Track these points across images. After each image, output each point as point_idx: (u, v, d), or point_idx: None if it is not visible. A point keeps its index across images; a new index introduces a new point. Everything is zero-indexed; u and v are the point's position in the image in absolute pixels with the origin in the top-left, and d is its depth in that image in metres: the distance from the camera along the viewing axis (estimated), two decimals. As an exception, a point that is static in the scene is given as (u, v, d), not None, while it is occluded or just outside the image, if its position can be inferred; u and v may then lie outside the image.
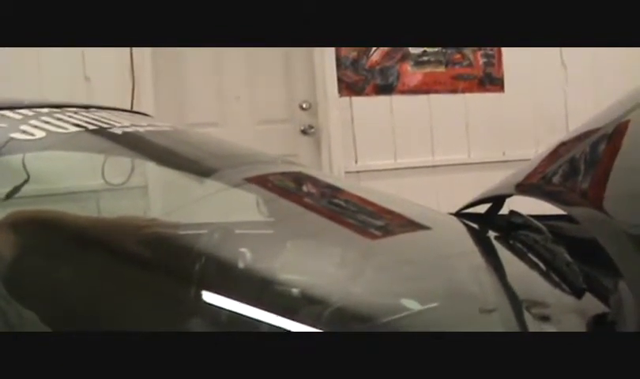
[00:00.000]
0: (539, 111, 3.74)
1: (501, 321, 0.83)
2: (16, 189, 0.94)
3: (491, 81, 3.75)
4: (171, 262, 0.92)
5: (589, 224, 0.89)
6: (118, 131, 1.06)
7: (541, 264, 0.93)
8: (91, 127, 1.03)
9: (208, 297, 0.84)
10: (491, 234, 1.11)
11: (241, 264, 0.91)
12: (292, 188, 1.20)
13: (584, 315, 0.81)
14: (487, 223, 1.16)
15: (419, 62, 3.62)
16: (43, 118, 0.99)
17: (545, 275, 0.92)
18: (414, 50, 3.60)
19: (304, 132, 3.51)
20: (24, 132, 0.94)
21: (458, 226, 1.13)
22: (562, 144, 1.17)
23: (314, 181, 1.26)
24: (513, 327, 0.80)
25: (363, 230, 1.06)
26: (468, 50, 3.69)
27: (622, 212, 0.86)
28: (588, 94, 3.64)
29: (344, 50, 3.48)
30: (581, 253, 0.89)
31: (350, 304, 0.82)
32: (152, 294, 0.83)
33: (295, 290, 0.85)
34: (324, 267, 0.92)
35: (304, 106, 3.50)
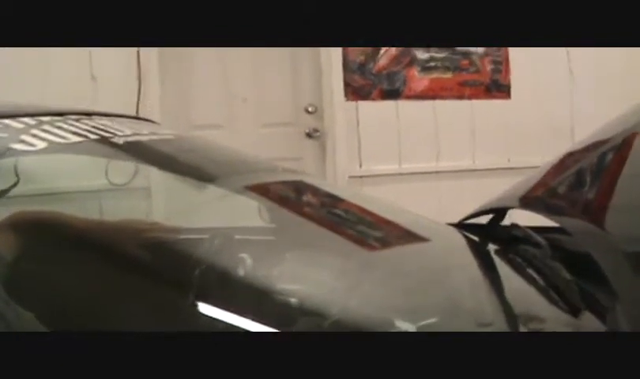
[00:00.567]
0: (545, 118, 3.72)
1: None
2: (4, 191, 0.94)
3: (498, 88, 3.73)
4: (170, 266, 0.92)
5: (584, 239, 0.89)
6: (120, 141, 1.06)
7: (539, 280, 0.93)
8: (92, 137, 1.03)
9: (206, 303, 0.84)
10: (491, 247, 1.11)
11: (235, 274, 0.91)
12: (292, 197, 1.21)
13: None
14: (488, 234, 1.15)
15: (426, 68, 3.61)
16: (45, 127, 0.99)
17: (543, 291, 0.92)
18: (421, 56, 3.59)
19: (309, 135, 3.51)
20: (24, 142, 0.94)
21: (458, 238, 1.13)
22: (569, 155, 1.16)
23: (314, 191, 1.26)
24: None
25: (361, 241, 1.06)
26: (475, 57, 3.67)
27: (625, 224, 0.86)
28: (594, 101, 3.62)
29: (352, 54, 3.48)
30: (580, 267, 0.89)
31: (345, 318, 0.82)
32: (150, 297, 0.84)
33: (289, 302, 0.85)
34: (320, 278, 0.92)
35: (310, 109, 3.50)
